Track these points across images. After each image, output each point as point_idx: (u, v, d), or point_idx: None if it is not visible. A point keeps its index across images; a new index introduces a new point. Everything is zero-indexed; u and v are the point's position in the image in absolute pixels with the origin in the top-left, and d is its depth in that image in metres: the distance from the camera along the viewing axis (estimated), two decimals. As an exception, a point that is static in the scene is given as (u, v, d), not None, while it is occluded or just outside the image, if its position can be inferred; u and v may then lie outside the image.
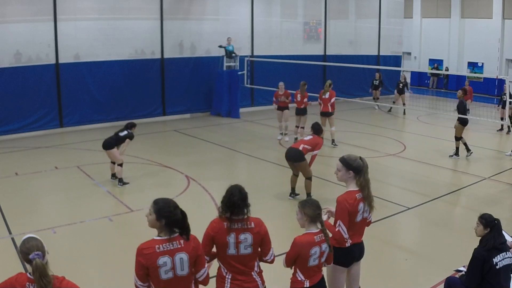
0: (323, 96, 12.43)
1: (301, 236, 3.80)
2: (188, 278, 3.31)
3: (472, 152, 11.45)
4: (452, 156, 11.42)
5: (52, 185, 9.44)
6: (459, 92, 11.46)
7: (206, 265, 3.40)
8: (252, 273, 3.68)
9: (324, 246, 3.81)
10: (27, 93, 13.43)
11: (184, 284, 3.29)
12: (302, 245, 3.73)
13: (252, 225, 3.63)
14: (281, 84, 13.07)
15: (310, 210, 3.81)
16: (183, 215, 3.27)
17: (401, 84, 18.09)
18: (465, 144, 11.46)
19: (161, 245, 3.19)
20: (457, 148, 11.33)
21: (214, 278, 3.79)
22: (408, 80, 27.03)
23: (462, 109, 11.24)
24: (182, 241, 3.24)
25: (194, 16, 16.78)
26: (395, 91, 18.48)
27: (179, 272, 3.22)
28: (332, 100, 12.29)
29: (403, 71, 23.63)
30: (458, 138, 11.29)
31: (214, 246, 3.68)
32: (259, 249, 3.72)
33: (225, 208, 3.61)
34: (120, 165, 9.08)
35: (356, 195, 4.11)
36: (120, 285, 5.57)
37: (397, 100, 18.10)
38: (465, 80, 23.77)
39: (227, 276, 3.65)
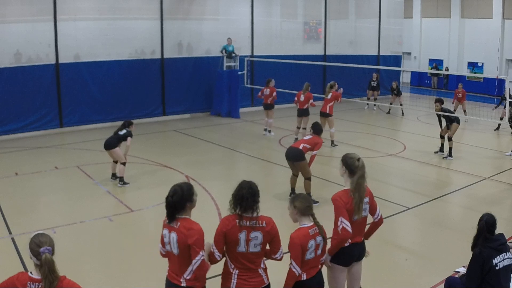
0: (326, 97, 12.47)
1: (295, 232, 3.84)
2: (181, 261, 3.50)
3: (446, 156, 11.45)
4: (446, 157, 11.41)
5: (52, 185, 9.44)
6: (437, 106, 11.33)
7: (199, 257, 3.43)
8: (259, 270, 3.73)
9: (319, 239, 3.87)
10: (27, 93, 13.43)
11: (178, 263, 3.53)
12: (300, 238, 3.76)
13: (264, 224, 3.67)
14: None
15: (300, 203, 3.88)
16: (169, 203, 3.54)
17: (395, 91, 18.21)
18: (443, 144, 11.62)
19: (167, 220, 3.59)
20: (451, 149, 11.34)
21: (220, 276, 3.81)
22: (408, 80, 27.17)
23: (447, 110, 11.52)
24: (179, 224, 3.49)
25: (194, 16, 16.78)
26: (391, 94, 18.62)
27: (173, 249, 3.53)
28: (331, 103, 12.31)
29: (403, 71, 23.67)
30: (451, 138, 11.31)
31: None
32: (269, 247, 3.77)
33: (234, 201, 3.66)
34: (123, 164, 9.09)
35: (351, 193, 4.13)
36: (120, 284, 5.58)
37: (393, 101, 18.14)
38: (465, 79, 23.89)
39: (233, 272, 3.68)
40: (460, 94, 16.47)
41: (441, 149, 11.69)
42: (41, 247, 2.86)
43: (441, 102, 11.41)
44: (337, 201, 4.08)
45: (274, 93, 13.51)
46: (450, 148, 11.33)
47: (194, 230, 3.45)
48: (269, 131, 13.77)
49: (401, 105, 17.80)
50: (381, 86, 21.55)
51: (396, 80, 19.08)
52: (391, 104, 18.08)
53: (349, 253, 4.20)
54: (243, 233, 3.61)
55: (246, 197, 3.61)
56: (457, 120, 11.28)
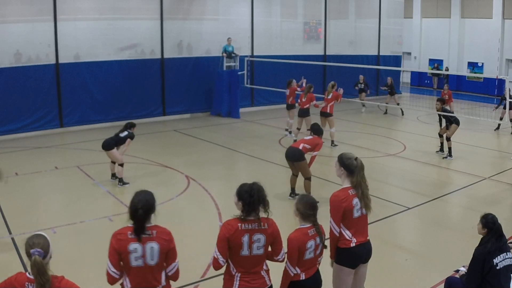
0: (327, 97, 12.48)
1: (293, 232, 3.84)
2: (158, 270, 3.38)
3: (446, 156, 11.48)
4: (446, 157, 11.41)
5: (52, 185, 9.44)
6: (438, 105, 11.39)
7: (177, 260, 3.45)
8: (261, 271, 3.72)
9: (318, 239, 3.87)
10: (27, 93, 13.43)
11: (153, 275, 3.37)
12: (298, 239, 3.77)
13: (266, 226, 3.65)
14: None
15: (302, 207, 3.88)
16: (141, 216, 3.29)
17: (388, 89, 18.06)
18: (442, 143, 11.68)
19: (133, 232, 3.33)
20: (450, 148, 11.36)
21: (221, 276, 3.81)
22: (408, 80, 27.16)
23: (448, 111, 11.66)
24: (154, 232, 3.34)
25: (194, 16, 16.78)
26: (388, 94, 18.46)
27: (149, 261, 3.32)
28: (331, 103, 12.33)
29: (403, 71, 23.62)
30: (449, 138, 11.33)
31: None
32: (270, 249, 3.76)
33: (251, 207, 3.61)
34: (121, 165, 9.08)
35: (349, 191, 4.13)
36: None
37: (388, 101, 18.04)
38: (465, 79, 23.89)
39: (236, 274, 3.67)
40: (447, 96, 16.39)
41: (442, 149, 11.71)
42: (32, 248, 2.85)
43: (443, 101, 11.53)
44: (334, 202, 4.10)
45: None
46: (449, 148, 11.35)
47: (171, 234, 3.43)
48: (290, 132, 13.70)
49: (398, 104, 17.74)
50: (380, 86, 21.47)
51: (391, 77, 18.75)
52: (386, 103, 17.93)
53: (356, 255, 4.16)
54: (246, 236, 3.59)
55: (265, 200, 3.66)
56: (456, 121, 11.26)
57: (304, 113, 12.62)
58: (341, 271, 4.17)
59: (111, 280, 3.39)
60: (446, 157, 11.38)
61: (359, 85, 18.22)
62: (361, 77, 18.19)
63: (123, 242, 3.30)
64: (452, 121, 11.26)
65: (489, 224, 4.30)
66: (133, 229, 3.32)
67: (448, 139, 11.31)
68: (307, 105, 12.57)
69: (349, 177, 4.15)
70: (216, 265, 3.64)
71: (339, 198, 4.09)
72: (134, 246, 3.29)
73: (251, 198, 3.60)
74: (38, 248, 2.84)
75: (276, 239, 3.71)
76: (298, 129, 12.88)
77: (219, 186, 9.35)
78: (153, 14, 15.69)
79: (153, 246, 3.31)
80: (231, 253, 3.65)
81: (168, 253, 3.39)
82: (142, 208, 3.30)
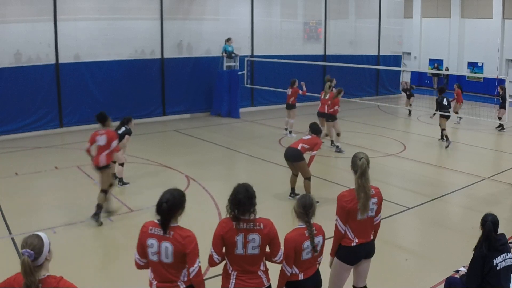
0: (324, 97, 12.41)
1: (290, 232, 3.86)
2: (174, 268, 3.43)
3: (445, 141, 12.55)
4: (444, 141, 12.56)
5: (52, 185, 9.44)
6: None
7: (196, 265, 3.42)
8: (258, 271, 3.71)
9: (317, 239, 3.87)
10: (27, 93, 13.43)
11: (169, 272, 3.45)
12: (294, 239, 3.78)
13: (261, 226, 3.64)
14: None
15: (296, 206, 3.93)
16: (164, 210, 3.40)
17: (407, 91, 17.91)
18: (446, 135, 12.60)
19: (154, 228, 3.48)
20: (447, 136, 12.42)
21: (220, 276, 3.82)
22: (408, 80, 27.13)
23: (437, 104, 12.87)
24: (172, 233, 3.41)
25: (194, 16, 16.79)
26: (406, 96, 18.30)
27: (163, 258, 3.43)
28: (329, 103, 12.27)
29: (403, 71, 23.62)
30: (444, 129, 12.59)
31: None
32: (268, 250, 3.75)
33: (231, 206, 3.63)
34: (121, 165, 9.07)
35: (355, 192, 4.14)
36: (119, 285, 5.57)
37: (408, 103, 17.94)
38: (465, 79, 23.86)
39: (232, 273, 3.68)
40: (455, 95, 16.31)
41: (442, 137, 12.73)
42: (23, 248, 2.84)
43: (443, 90, 13.16)
44: (339, 201, 4.18)
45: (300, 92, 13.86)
46: (446, 136, 12.46)
47: (190, 238, 3.42)
48: (290, 132, 13.67)
49: (410, 105, 17.70)
50: (380, 86, 21.42)
51: (406, 80, 18.56)
52: (410, 105, 17.69)
53: (356, 254, 4.26)
54: (240, 235, 3.59)
55: (243, 202, 3.58)
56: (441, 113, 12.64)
57: (329, 117, 12.16)
58: (339, 266, 4.29)
59: (137, 266, 3.63)
60: (443, 141, 12.58)
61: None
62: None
63: (144, 234, 3.50)
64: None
65: (482, 221, 4.30)
66: (159, 224, 3.44)
67: (443, 129, 12.55)
68: (331, 109, 12.19)
69: (355, 176, 4.18)
70: (211, 262, 3.68)
71: (345, 198, 4.14)
72: (151, 241, 3.44)
73: (231, 196, 3.66)
74: (29, 249, 2.82)
75: (273, 240, 3.69)
76: (326, 134, 12.25)
77: (219, 186, 9.34)
78: (153, 14, 15.69)
79: (168, 246, 3.40)
80: (226, 251, 3.67)
81: (185, 256, 3.40)
82: (166, 202, 3.40)
